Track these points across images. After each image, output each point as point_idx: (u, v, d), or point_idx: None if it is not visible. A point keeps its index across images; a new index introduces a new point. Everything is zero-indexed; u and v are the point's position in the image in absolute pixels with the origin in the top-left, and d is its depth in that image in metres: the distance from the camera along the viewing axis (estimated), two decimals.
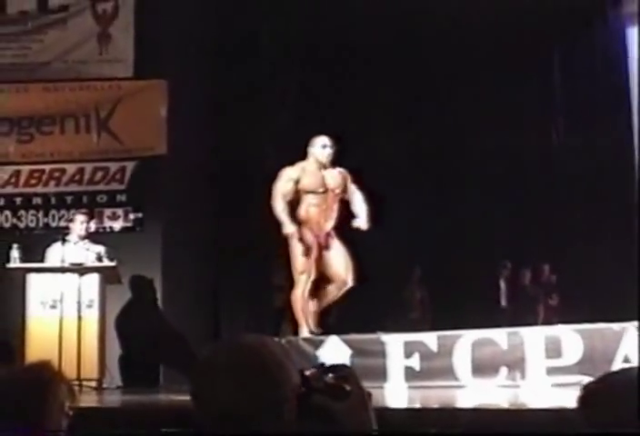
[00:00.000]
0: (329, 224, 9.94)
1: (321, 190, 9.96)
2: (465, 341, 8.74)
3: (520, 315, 12.53)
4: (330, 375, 2.36)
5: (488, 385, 8.52)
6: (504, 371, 8.54)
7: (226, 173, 12.51)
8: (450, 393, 8.29)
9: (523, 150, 12.42)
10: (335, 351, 9.25)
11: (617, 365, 7.96)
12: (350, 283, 9.97)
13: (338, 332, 9.46)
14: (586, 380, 7.43)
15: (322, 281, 9.97)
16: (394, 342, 9.03)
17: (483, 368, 8.61)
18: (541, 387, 8.30)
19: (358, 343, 9.21)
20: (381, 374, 8.94)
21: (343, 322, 10.97)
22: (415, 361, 8.89)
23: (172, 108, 11.66)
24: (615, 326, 8.44)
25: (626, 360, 8.12)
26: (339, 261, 9.95)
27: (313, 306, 9.97)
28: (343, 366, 2.42)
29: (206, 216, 12.36)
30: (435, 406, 7.39)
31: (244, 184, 12.46)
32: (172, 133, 11.60)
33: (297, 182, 9.95)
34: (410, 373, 8.89)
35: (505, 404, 7.61)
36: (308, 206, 9.95)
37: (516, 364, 8.50)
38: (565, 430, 5.02)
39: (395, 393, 8.64)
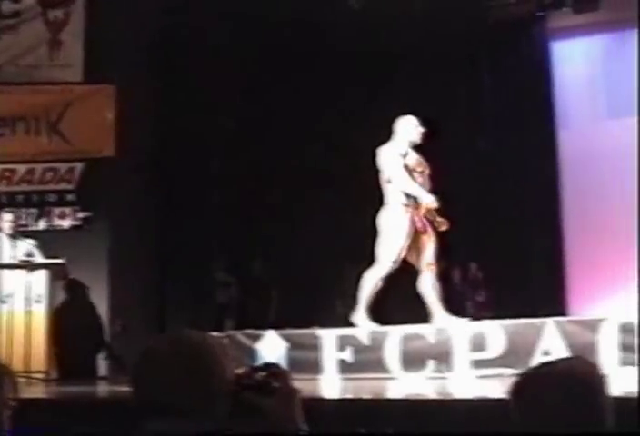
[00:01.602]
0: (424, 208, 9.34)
1: (420, 169, 9.41)
2: (396, 336, 8.79)
3: (449, 311, 12.57)
4: (261, 373, 2.36)
5: (417, 377, 8.57)
6: (431, 363, 8.60)
7: (173, 173, 12.46)
8: (381, 385, 8.32)
9: (451, 155, 12.45)
10: (272, 345, 9.27)
11: (538, 358, 8.05)
12: (432, 268, 9.49)
13: (276, 327, 9.48)
14: (508, 372, 7.55)
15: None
16: (328, 337, 9.06)
17: (412, 361, 8.66)
18: (466, 378, 8.37)
19: (294, 337, 9.23)
20: (316, 367, 8.98)
21: (280, 316, 10.98)
22: (347, 355, 8.93)
23: (120, 112, 11.61)
24: (536, 321, 8.53)
25: (546, 353, 8.21)
26: (430, 244, 9.45)
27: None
28: (273, 364, 2.43)
29: (153, 215, 12.30)
30: (367, 397, 7.42)
31: (190, 184, 12.42)
32: (120, 135, 11.55)
33: (404, 157, 9.29)
34: (343, 366, 8.92)
35: (432, 395, 7.67)
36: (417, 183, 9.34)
37: (443, 357, 8.56)
38: (487, 418, 5.07)
39: (329, 385, 8.66)
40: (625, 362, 8.04)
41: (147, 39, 12.30)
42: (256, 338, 9.38)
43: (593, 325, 8.21)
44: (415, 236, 9.32)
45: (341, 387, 8.58)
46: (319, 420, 5.91)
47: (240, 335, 9.57)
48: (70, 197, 11.72)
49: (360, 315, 9.37)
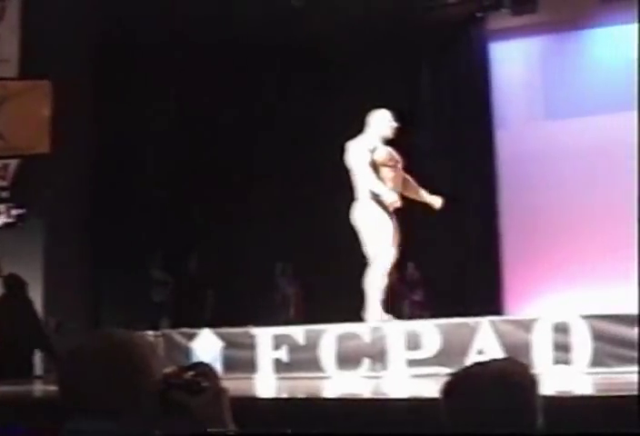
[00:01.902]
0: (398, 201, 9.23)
1: (390, 164, 9.27)
2: (331, 335, 8.78)
3: (386, 311, 12.62)
4: (190, 372, 2.35)
5: (352, 376, 8.58)
6: (366, 362, 8.61)
7: (109, 171, 12.36)
8: (316, 384, 8.31)
9: None
10: (207, 343, 9.23)
11: (472, 358, 8.10)
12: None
13: (211, 325, 9.44)
14: (443, 371, 7.58)
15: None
16: (263, 335, 9.04)
17: (347, 360, 8.66)
18: (401, 378, 8.39)
19: (229, 336, 9.20)
20: (251, 366, 8.96)
21: (216, 315, 10.94)
22: (283, 354, 8.91)
23: (56, 108, 11.48)
24: (471, 321, 8.57)
25: (480, 352, 8.26)
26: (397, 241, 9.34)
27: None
28: (202, 364, 2.42)
29: (88, 213, 12.20)
30: (302, 396, 7.41)
31: (126, 182, 12.34)
32: (55, 132, 11.41)
33: (373, 152, 9.18)
34: (278, 365, 8.91)
35: (367, 394, 7.68)
36: (385, 180, 9.23)
37: (378, 356, 8.58)
38: (422, 418, 5.08)
39: (264, 384, 8.65)
40: (558, 361, 8.12)
41: (84, 35, 12.18)
42: (192, 337, 9.34)
43: (526, 325, 8.27)
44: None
45: (276, 386, 8.57)
46: (254, 419, 5.91)
47: (175, 334, 9.52)
48: (4, 194, 11.56)
49: (374, 312, 9.22)
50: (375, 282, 9.28)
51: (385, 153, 9.29)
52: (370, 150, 9.20)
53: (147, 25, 12.22)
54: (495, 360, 2.78)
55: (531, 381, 2.59)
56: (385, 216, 9.18)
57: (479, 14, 12.60)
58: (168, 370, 2.35)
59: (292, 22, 12.07)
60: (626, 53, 12.06)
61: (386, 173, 9.24)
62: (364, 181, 9.18)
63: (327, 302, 11.86)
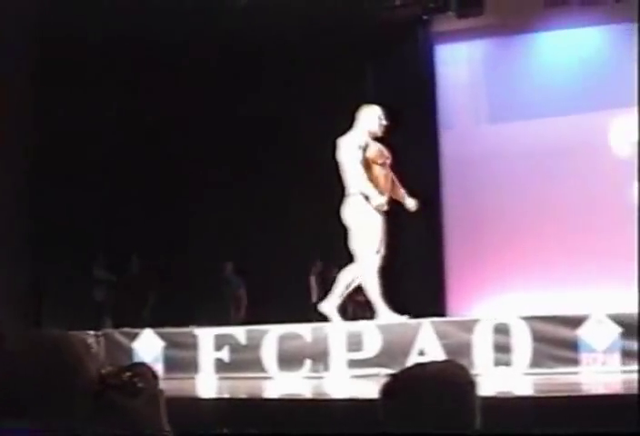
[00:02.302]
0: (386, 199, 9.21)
1: (380, 161, 9.22)
2: (273, 335, 8.78)
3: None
4: (127, 373, 2.33)
5: (293, 377, 8.58)
6: (308, 363, 8.62)
7: (48, 170, 12.25)
8: (258, 384, 8.31)
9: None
10: (149, 343, 9.19)
11: (413, 358, 8.14)
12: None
13: (153, 325, 9.40)
14: (384, 372, 7.61)
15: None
16: (205, 336, 9.01)
17: (289, 360, 8.66)
18: (342, 378, 8.41)
19: (171, 336, 9.16)
20: (193, 366, 8.94)
21: (158, 315, 10.88)
22: (224, 354, 8.90)
23: None
24: (412, 322, 8.62)
25: (421, 353, 8.31)
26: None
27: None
28: (140, 364, 2.39)
29: (29, 212, 12.07)
30: (243, 396, 7.41)
31: (66, 182, 12.23)
32: None
33: (364, 149, 9.09)
34: (220, 365, 8.89)
35: (308, 394, 7.69)
36: (377, 178, 9.19)
37: (320, 357, 8.58)
38: (363, 418, 5.10)
39: (206, 384, 8.63)
40: (498, 363, 8.19)
41: (23, 35, 12.05)
42: (133, 336, 9.29)
43: (468, 326, 8.32)
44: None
45: (217, 386, 8.55)
46: (196, 419, 5.89)
47: (117, 334, 9.47)
48: None
49: (331, 307, 9.21)
50: (344, 280, 9.29)
51: (375, 150, 9.23)
52: (362, 147, 9.12)
53: (87, 23, 12.10)
54: (433, 362, 2.78)
55: (469, 383, 2.60)
56: (375, 215, 9.13)
57: (425, 17, 12.63)
58: (105, 370, 2.33)
59: (235, 20, 12.03)
60: (570, 57, 12.18)
61: (378, 170, 9.19)
62: (354, 180, 9.11)
63: (272, 302, 11.85)
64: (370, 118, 9.26)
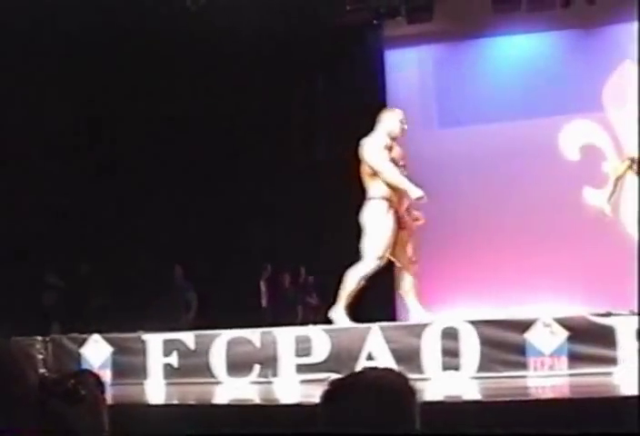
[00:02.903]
0: (405, 202, 9.19)
1: (402, 163, 9.18)
2: (222, 340, 8.78)
3: (280, 315, 12.66)
4: (71, 380, 2.33)
5: (242, 382, 8.59)
6: (257, 368, 8.63)
7: None
8: (207, 390, 8.31)
9: (284, 160, 12.54)
10: (97, 349, 9.15)
11: (362, 363, 8.18)
12: (416, 266, 9.26)
13: (101, 331, 9.36)
14: (333, 376, 7.62)
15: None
16: (154, 341, 8.99)
17: (238, 366, 8.66)
18: (291, 383, 8.43)
19: (120, 342, 9.13)
20: (141, 371, 8.91)
21: (106, 320, 10.82)
22: (173, 359, 8.88)
23: None
24: (361, 326, 8.65)
25: (370, 357, 8.34)
26: (411, 240, 9.27)
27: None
28: (84, 371, 2.40)
29: None
30: (192, 402, 7.41)
31: (15, 185, 12.14)
32: None
33: (390, 149, 9.06)
34: (169, 371, 8.87)
35: (257, 400, 7.71)
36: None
37: (269, 362, 8.60)
38: (312, 423, 5.12)
39: (155, 390, 8.61)
40: (446, 367, 8.25)
41: None
42: (81, 342, 9.24)
43: (416, 330, 8.37)
44: (396, 232, 9.14)
45: (166, 392, 8.53)
46: (144, 426, 5.87)
47: (65, 339, 9.42)
48: None
49: (339, 312, 9.09)
50: (350, 282, 9.23)
51: (400, 152, 9.26)
52: (388, 147, 9.12)
53: (38, 21, 12.00)
54: (372, 368, 2.81)
55: (407, 390, 2.63)
56: (391, 221, 9.08)
57: (375, 22, 12.70)
58: (49, 378, 2.33)
59: (186, 23, 12.00)
60: (518, 62, 12.29)
61: (400, 171, 9.16)
62: (389, 178, 9.03)
63: (222, 307, 11.84)
64: (392, 121, 9.27)
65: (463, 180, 12.44)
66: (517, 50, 12.47)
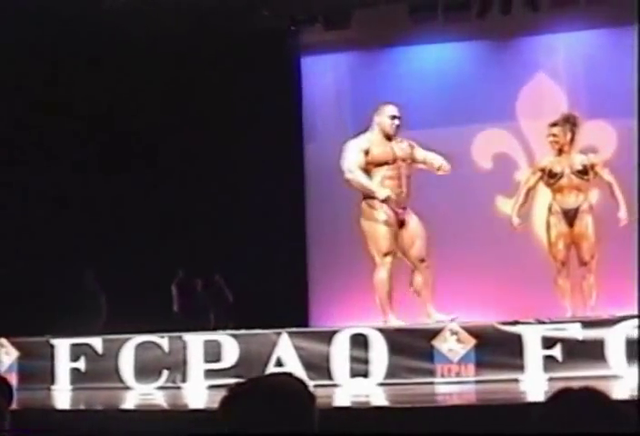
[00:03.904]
0: (405, 199, 9.22)
1: (391, 161, 9.15)
2: (130, 345, 8.75)
3: (192, 320, 12.62)
4: None
5: (150, 387, 8.58)
6: (165, 373, 8.63)
7: None
8: (114, 395, 8.28)
9: (202, 164, 12.51)
10: (3, 353, 9.06)
11: (271, 369, 8.24)
12: (426, 265, 9.23)
13: (7, 335, 9.26)
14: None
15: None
16: (61, 345, 8.93)
17: (146, 371, 8.65)
18: (199, 389, 8.44)
19: (26, 346, 9.05)
20: (48, 376, 8.85)
21: (13, 323, 10.68)
22: (81, 364, 8.84)
23: None
24: (270, 332, 8.69)
25: (279, 363, 8.40)
26: (417, 239, 9.23)
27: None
28: None
29: None
30: (99, 407, 7.38)
31: None
32: None
33: (367, 153, 9.12)
34: (76, 375, 8.83)
35: (165, 405, 7.71)
36: (383, 179, 9.14)
37: (178, 367, 8.60)
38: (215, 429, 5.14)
39: (62, 395, 8.55)
40: (355, 373, 8.34)
41: None
42: None
43: (326, 337, 8.45)
44: (396, 231, 9.18)
45: (73, 397, 8.48)
46: (51, 431, 5.83)
47: None
48: None
49: (391, 319, 9.03)
50: (379, 288, 9.20)
51: (382, 150, 9.24)
52: (363, 150, 9.20)
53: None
54: (273, 374, 2.86)
55: (305, 396, 2.68)
56: (382, 216, 9.15)
57: (293, 28, 12.72)
58: None
59: (104, 21, 11.92)
60: (434, 71, 12.41)
61: (384, 171, 9.19)
62: (351, 182, 9.19)
63: (132, 312, 11.76)
64: (381, 118, 9.35)
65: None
66: (433, 59, 12.59)
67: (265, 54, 12.48)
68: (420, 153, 9.39)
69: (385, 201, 9.02)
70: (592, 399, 2.51)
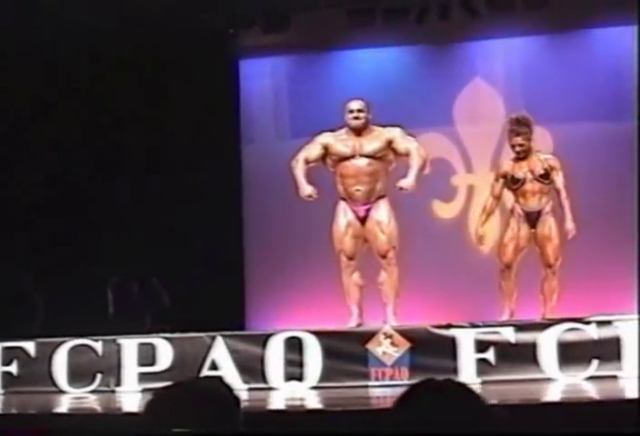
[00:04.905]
0: (370, 195, 9.15)
1: (351, 157, 9.12)
2: (64, 348, 8.74)
3: (127, 323, 12.58)
4: None
5: (84, 391, 8.57)
6: (99, 377, 8.62)
7: None
8: (48, 399, 8.26)
9: (136, 170, 12.46)
10: None
11: (205, 372, 8.28)
12: (393, 261, 9.17)
13: None
14: None
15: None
16: None
17: (80, 374, 8.65)
18: (134, 392, 8.45)
19: None
20: None
21: None
22: (13, 368, 8.80)
23: None
24: (205, 335, 8.73)
25: (214, 366, 8.44)
26: (379, 235, 9.15)
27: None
28: None
29: None
30: (32, 411, 7.36)
31: None
32: None
33: (327, 148, 9.18)
34: (8, 379, 8.79)
35: (99, 409, 7.70)
36: (342, 177, 9.13)
37: (112, 371, 8.61)
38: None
39: None
40: (289, 377, 8.40)
41: None
42: None
43: (260, 340, 8.50)
44: (358, 230, 9.18)
45: (5, 402, 8.44)
46: None
47: None
48: None
49: (354, 321, 9.07)
50: (347, 289, 9.25)
51: (338, 148, 9.27)
52: (323, 145, 9.30)
53: None
54: (198, 378, 2.91)
55: (229, 399, 2.73)
56: (338, 218, 9.25)
57: (231, 30, 12.73)
58: None
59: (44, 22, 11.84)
60: (372, 75, 12.47)
61: (343, 168, 9.20)
62: (293, 175, 9.28)
63: (69, 315, 11.71)
64: (345, 113, 9.38)
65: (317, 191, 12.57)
66: (371, 63, 12.65)
67: (203, 56, 12.48)
68: (402, 146, 9.28)
69: (306, 197, 9.14)
70: (450, 389, 2.56)
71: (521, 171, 9.52)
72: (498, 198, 9.77)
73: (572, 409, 5.92)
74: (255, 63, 13.06)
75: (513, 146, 9.60)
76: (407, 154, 9.23)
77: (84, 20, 11.83)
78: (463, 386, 2.56)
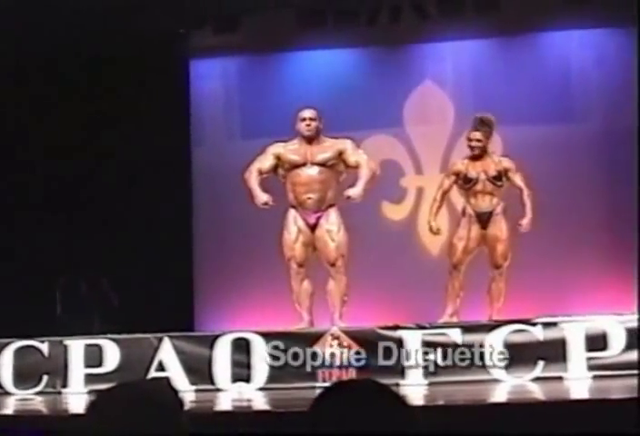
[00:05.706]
0: (321, 203, 9.18)
1: (302, 165, 9.18)
2: (9, 350, 8.71)
3: (76, 324, 12.54)
4: None
5: (30, 392, 8.55)
6: (45, 378, 8.60)
7: None
8: None
9: (91, 168, 12.42)
10: None
11: (152, 373, 8.29)
12: (342, 270, 9.22)
13: None
14: None
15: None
16: None
17: (25, 376, 8.62)
18: (80, 394, 8.44)
19: None
20: None
21: None
22: None
23: None
24: (152, 336, 8.73)
25: (161, 367, 8.46)
26: (328, 243, 9.19)
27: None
28: None
29: None
30: None
31: None
32: None
33: (279, 157, 9.23)
34: None
35: (45, 410, 7.69)
36: (293, 185, 9.17)
37: (58, 372, 8.59)
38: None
39: None
40: (237, 378, 8.43)
41: None
42: None
43: (207, 341, 8.52)
44: (308, 237, 9.25)
45: None
46: None
47: None
48: None
49: (304, 323, 9.11)
50: (296, 293, 9.31)
51: (289, 156, 9.32)
52: (275, 154, 9.34)
53: None
54: (142, 380, 2.93)
55: (173, 401, 2.75)
56: (287, 222, 9.32)
57: (181, 31, 12.72)
58: None
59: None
60: (321, 77, 12.52)
61: (294, 176, 9.26)
62: (247, 185, 9.35)
63: (16, 316, 11.66)
64: (297, 121, 9.43)
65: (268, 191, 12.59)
66: (321, 65, 12.67)
67: (153, 56, 12.45)
68: (352, 159, 9.37)
69: (262, 205, 9.21)
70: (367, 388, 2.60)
71: (475, 170, 9.58)
72: (446, 192, 9.84)
73: (518, 410, 6.01)
74: (206, 63, 13.05)
75: (470, 140, 9.66)
76: (357, 167, 9.32)
77: (27, 20, 11.79)
78: (382, 386, 2.59)
